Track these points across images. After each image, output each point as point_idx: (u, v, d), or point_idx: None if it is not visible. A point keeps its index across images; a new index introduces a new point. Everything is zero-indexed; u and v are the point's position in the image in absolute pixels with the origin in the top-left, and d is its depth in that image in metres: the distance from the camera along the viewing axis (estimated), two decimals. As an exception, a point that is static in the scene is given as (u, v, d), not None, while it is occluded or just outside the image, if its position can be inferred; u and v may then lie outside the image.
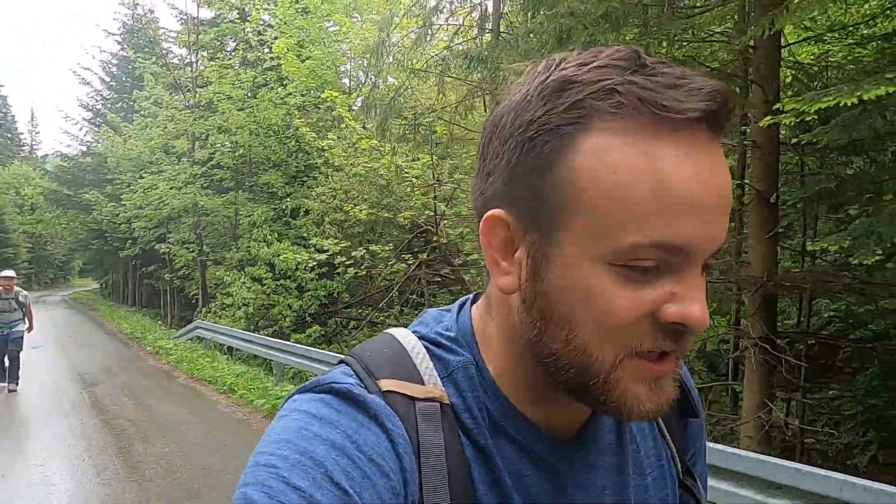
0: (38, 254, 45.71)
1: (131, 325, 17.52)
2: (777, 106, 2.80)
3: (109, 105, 28.99)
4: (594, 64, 0.45)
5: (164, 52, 22.99)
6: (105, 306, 27.21)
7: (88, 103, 31.11)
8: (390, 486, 0.46)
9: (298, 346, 8.43)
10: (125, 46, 28.80)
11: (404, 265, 11.08)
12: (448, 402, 0.52)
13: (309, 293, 12.36)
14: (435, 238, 11.01)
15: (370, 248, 10.44)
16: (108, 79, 30.43)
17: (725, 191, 0.45)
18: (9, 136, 52.61)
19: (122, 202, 19.14)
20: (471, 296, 0.61)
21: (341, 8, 14.73)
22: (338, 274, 11.83)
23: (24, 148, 56.25)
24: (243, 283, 12.45)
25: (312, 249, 11.27)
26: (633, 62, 0.45)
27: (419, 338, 0.57)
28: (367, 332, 12.00)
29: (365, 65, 13.80)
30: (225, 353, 11.19)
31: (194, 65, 17.50)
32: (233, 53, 16.48)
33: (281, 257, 11.62)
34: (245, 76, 14.23)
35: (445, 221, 11.03)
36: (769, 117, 2.80)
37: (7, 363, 8.43)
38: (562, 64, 0.47)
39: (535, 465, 0.54)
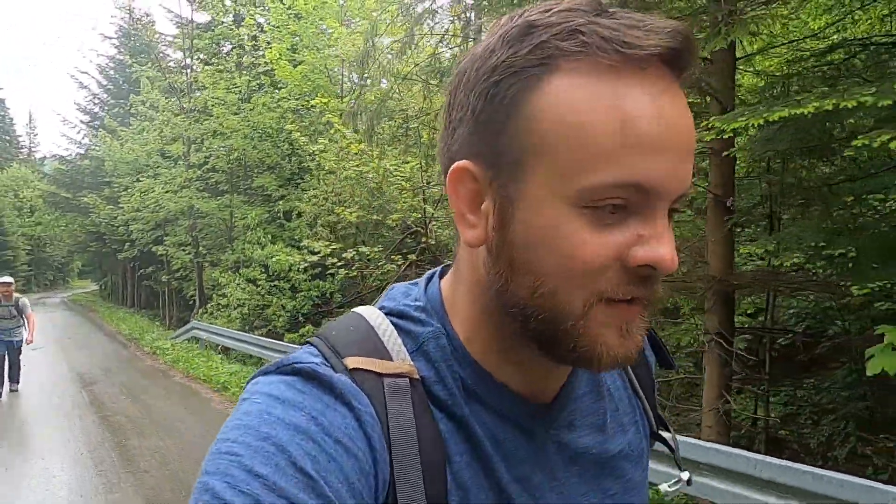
0: (38, 256, 45.93)
1: (129, 327, 17.82)
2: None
3: (107, 109, 29.33)
4: (557, 9, 0.46)
5: (160, 55, 23.35)
6: (104, 308, 27.49)
7: (86, 107, 31.44)
8: (358, 467, 0.45)
9: (291, 345, 8.75)
10: (122, 50, 29.21)
11: (394, 266, 11.41)
12: (418, 376, 0.51)
13: (302, 294, 12.66)
14: (424, 239, 11.34)
15: (359, 249, 10.76)
16: (105, 82, 30.74)
17: (689, 133, 0.46)
18: (7, 138, 52.88)
19: (120, 205, 19.47)
20: (438, 268, 0.61)
21: (333, 13, 15.02)
22: (330, 275, 12.14)
23: (22, 150, 56.54)
24: (238, 284, 12.75)
25: (305, 251, 11.60)
26: (595, 6, 0.46)
27: (386, 313, 0.56)
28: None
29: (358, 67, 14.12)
30: (220, 353, 11.48)
31: (189, 69, 17.81)
32: (228, 56, 16.76)
33: (273, 259, 11.91)
34: (240, 80, 14.53)
35: (435, 223, 11.35)
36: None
37: (7, 367, 8.52)
38: (524, 13, 0.47)
39: (513, 430, 0.54)
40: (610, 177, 0.43)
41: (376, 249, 10.90)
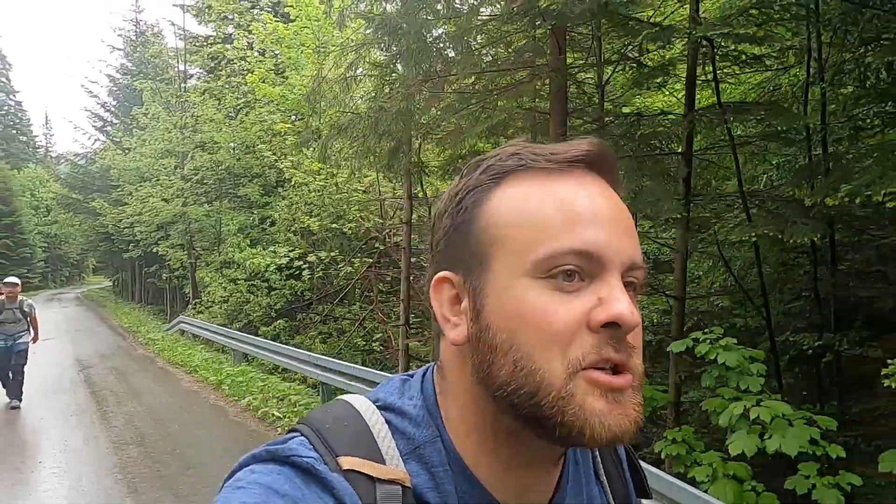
0: (54, 253, 47.90)
1: (130, 321, 19.68)
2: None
3: (118, 114, 31.29)
4: (500, 148, 0.57)
5: (164, 66, 25.18)
6: (112, 303, 29.38)
7: (96, 112, 33.39)
8: None
9: (263, 340, 10.50)
10: (129, 60, 31.17)
11: (353, 268, 13.09)
12: (409, 484, 0.52)
13: (276, 292, 14.37)
14: (377, 245, 13.04)
15: (319, 254, 12.44)
16: (116, 89, 32.60)
17: (621, 213, 0.54)
18: (24, 139, 54.93)
19: (125, 209, 21.33)
20: (431, 364, 0.62)
21: (310, 38, 16.65)
22: (299, 276, 13.87)
23: (39, 150, 58.75)
24: (220, 283, 14.48)
25: (278, 255, 13.37)
26: (528, 141, 0.57)
27: (380, 406, 0.57)
28: (332, 326, 14.03)
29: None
30: (201, 344, 13.20)
31: (184, 83, 19.59)
32: (220, 73, 18.45)
33: (248, 262, 13.63)
34: (230, 97, 16.27)
35: (389, 231, 13.04)
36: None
37: (10, 377, 7.94)
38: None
39: None
40: (556, 246, 0.50)
41: (334, 254, 12.58)
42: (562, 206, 0.51)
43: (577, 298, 0.50)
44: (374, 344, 12.57)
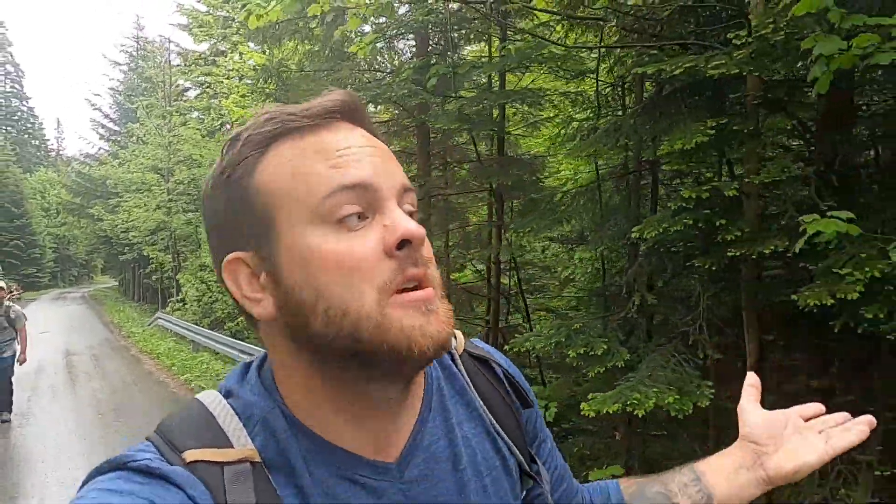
0: (62, 253, 49.93)
1: (120, 317, 21.88)
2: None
3: (121, 123, 33.52)
4: (252, 119, 0.58)
5: (153, 88, 27.33)
6: (112, 302, 31.53)
7: (102, 122, 35.70)
8: None
9: (224, 337, 12.46)
10: (130, 75, 33.45)
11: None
12: (259, 458, 0.54)
13: (240, 292, 16.47)
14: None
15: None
16: (118, 100, 34.82)
17: (382, 149, 0.58)
18: (35, 143, 57.18)
19: (118, 216, 23.55)
20: (265, 352, 0.63)
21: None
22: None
23: (51, 153, 61.13)
24: (192, 284, 16.62)
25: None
26: (281, 104, 0.59)
27: (226, 394, 0.59)
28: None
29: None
30: (174, 336, 15.29)
31: (168, 108, 21.77)
32: (206, 92, 20.57)
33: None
34: (213, 115, 18.41)
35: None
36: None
37: None
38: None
39: (362, 492, 0.56)
40: (329, 188, 0.53)
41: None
42: (326, 155, 0.54)
43: (367, 234, 0.54)
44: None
